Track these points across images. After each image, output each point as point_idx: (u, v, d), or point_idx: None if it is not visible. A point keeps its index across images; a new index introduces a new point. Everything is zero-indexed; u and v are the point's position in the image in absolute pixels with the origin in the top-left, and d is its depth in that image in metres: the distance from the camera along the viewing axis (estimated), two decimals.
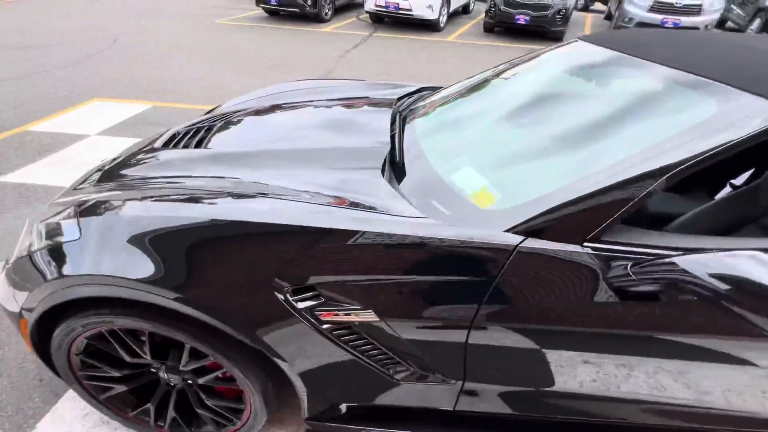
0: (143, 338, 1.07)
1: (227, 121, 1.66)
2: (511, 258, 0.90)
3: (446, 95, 1.68)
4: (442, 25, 8.16)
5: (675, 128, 0.94)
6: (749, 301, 0.76)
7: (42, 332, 1.05)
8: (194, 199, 1.06)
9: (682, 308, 0.88)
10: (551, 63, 1.55)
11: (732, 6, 8.94)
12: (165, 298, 0.91)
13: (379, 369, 1.03)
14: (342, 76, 5.41)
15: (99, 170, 1.44)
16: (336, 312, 0.94)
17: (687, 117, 0.98)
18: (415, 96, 1.94)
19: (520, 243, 0.90)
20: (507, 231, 0.93)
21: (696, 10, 7.51)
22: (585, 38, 1.60)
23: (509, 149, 1.21)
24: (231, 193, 1.09)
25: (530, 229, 0.92)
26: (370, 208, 1.03)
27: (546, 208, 0.92)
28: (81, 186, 1.37)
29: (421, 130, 1.43)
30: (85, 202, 1.10)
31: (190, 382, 1.18)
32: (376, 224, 0.96)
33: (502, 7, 7.59)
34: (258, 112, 1.74)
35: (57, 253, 0.98)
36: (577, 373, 1.00)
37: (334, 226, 0.94)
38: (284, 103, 1.89)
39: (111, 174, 1.35)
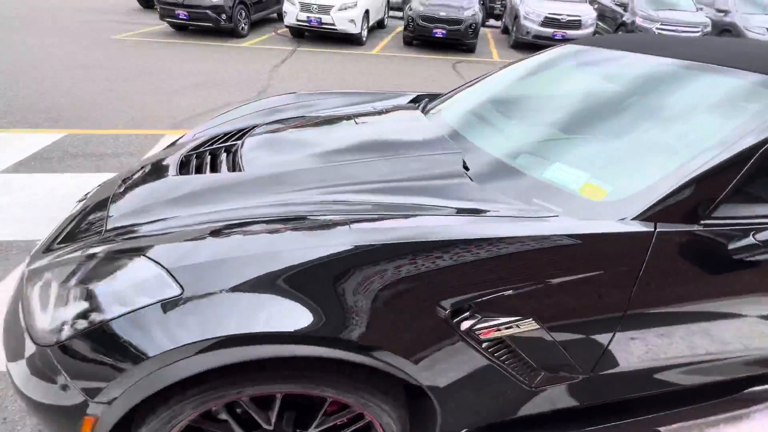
0: (271, 403, 0.86)
1: (255, 139, 1.46)
2: (653, 243, 0.93)
3: (480, 100, 1.68)
4: (364, 39, 8.31)
5: (742, 112, 1.07)
6: None
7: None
8: (314, 228, 0.90)
9: None
10: (572, 64, 1.66)
11: (597, 21, 10.66)
12: (328, 348, 0.74)
13: (519, 379, 0.98)
14: (279, 91, 5.16)
15: (92, 211, 1.15)
16: (497, 327, 0.87)
17: (741, 102, 1.12)
18: (426, 102, 1.92)
19: (656, 229, 0.94)
20: (633, 219, 0.96)
21: (577, 24, 8.79)
22: (586, 43, 1.76)
23: (591, 143, 1.26)
24: (352, 216, 0.95)
25: (653, 214, 0.96)
26: (496, 215, 0.98)
27: (665, 194, 0.97)
28: (88, 231, 1.07)
29: (477, 133, 1.42)
30: (147, 247, 0.86)
31: None
32: (521, 228, 0.91)
33: (421, 22, 8.01)
34: (281, 130, 1.56)
35: (153, 318, 0.74)
36: (705, 339, 1.07)
37: (485, 235, 0.87)
38: (300, 117, 1.73)
39: (133, 212, 1.08)
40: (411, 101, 2.08)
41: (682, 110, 1.19)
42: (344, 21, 7.69)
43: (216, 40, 7.58)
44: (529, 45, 8.91)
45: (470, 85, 1.90)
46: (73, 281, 0.86)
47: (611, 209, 0.99)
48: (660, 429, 1.25)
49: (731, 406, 1.31)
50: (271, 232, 0.88)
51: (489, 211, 1.01)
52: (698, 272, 0.96)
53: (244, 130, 1.63)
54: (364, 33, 8.29)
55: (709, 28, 8.86)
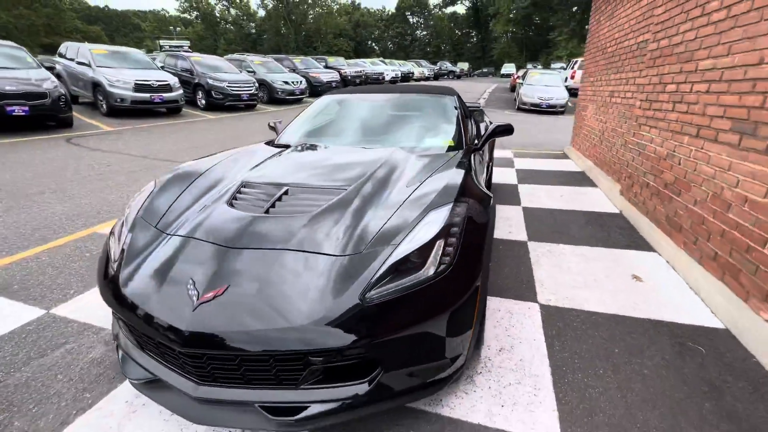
0: None
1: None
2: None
3: (312, 128, 2.80)
4: None
5: (432, 105, 2.69)
6: None
7: None
8: None
9: None
10: (345, 101, 2.97)
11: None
12: None
13: None
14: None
15: None
16: None
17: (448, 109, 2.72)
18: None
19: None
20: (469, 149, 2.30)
21: (167, 87, 9.42)
22: (336, 92, 3.00)
23: (413, 130, 2.57)
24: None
25: (469, 147, 2.34)
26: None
27: (467, 137, 2.36)
28: None
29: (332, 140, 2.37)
30: None
31: None
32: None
33: None
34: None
35: None
36: None
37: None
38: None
39: None
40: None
41: (413, 109, 2.70)
42: None
43: None
44: (129, 111, 8.76)
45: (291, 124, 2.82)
46: None
47: (459, 148, 2.28)
48: None
49: None
50: None
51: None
52: None
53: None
54: None
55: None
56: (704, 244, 2.32)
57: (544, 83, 14.37)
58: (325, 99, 3.05)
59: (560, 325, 1.99)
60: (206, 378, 1.27)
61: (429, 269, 1.30)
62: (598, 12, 5.68)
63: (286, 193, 1.72)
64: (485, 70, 46.02)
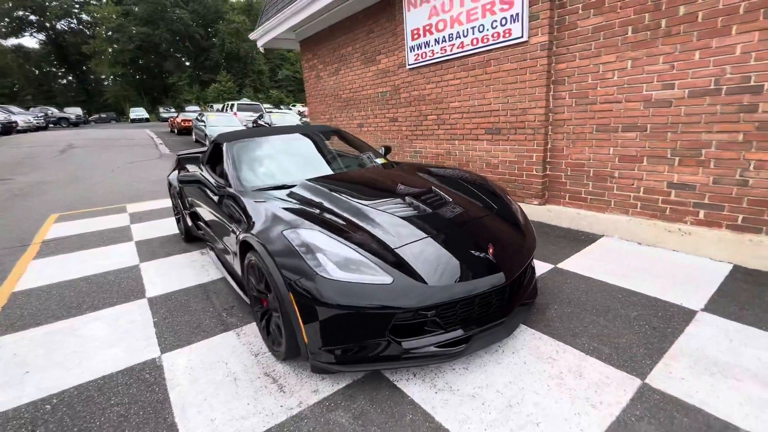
0: None
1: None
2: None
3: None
4: None
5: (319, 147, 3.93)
6: None
7: None
8: None
9: None
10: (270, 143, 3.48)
11: None
12: None
13: None
14: None
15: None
16: None
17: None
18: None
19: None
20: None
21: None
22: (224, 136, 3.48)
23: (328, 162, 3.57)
24: None
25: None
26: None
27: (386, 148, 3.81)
28: None
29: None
30: None
31: None
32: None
33: None
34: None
35: None
36: None
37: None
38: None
39: None
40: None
41: (313, 143, 3.74)
42: None
43: None
44: None
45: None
46: None
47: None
48: None
49: None
50: None
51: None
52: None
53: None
54: None
55: None
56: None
57: (225, 124, 15.61)
58: (236, 145, 3.27)
59: None
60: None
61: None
62: (314, 70, 7.85)
63: (407, 201, 2.51)
64: (104, 115, 39.92)
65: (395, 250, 1.97)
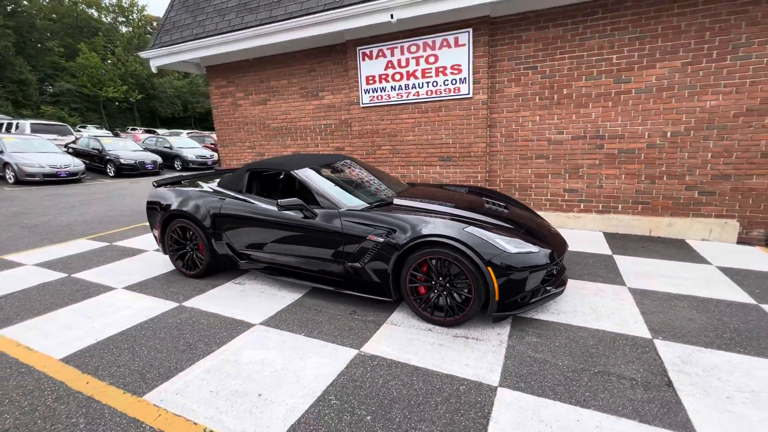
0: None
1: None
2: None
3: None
4: None
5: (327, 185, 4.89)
6: None
7: None
8: None
9: None
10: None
11: None
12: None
13: None
14: None
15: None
16: None
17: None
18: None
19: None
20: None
21: None
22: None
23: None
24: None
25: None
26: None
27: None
28: None
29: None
30: None
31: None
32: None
33: None
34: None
35: None
36: None
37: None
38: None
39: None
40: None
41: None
42: None
43: None
44: None
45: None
46: None
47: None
48: None
49: None
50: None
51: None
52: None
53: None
54: None
55: None
56: None
57: (38, 149, 12.14)
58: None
59: None
60: None
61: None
62: (228, 97, 7.79)
63: (486, 209, 3.74)
64: None
65: (521, 235, 3.19)
